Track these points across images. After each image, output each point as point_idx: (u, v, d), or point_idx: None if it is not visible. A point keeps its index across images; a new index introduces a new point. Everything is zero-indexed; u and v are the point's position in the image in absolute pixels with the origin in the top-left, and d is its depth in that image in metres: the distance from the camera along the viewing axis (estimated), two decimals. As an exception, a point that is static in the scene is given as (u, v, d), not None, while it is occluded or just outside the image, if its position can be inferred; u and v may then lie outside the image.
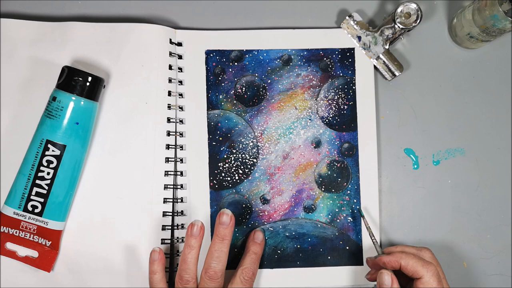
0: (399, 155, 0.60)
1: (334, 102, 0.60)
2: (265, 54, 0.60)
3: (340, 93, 0.60)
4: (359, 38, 0.60)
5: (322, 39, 0.60)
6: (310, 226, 0.59)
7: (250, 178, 0.59)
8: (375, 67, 0.60)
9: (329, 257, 0.58)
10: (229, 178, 0.59)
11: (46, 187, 0.54)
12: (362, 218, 0.58)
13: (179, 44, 0.60)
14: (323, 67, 0.60)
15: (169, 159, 0.58)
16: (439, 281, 0.50)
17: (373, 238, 0.55)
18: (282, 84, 0.60)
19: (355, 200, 0.59)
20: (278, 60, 0.60)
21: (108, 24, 0.58)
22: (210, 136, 0.59)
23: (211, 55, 0.60)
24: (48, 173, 0.54)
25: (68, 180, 0.55)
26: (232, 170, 0.59)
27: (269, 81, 0.60)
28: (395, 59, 0.59)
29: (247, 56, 0.60)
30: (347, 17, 0.60)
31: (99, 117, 0.57)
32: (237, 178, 0.59)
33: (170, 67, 0.59)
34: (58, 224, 0.55)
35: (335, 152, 0.59)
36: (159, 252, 0.54)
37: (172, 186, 0.58)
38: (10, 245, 0.56)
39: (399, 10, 0.56)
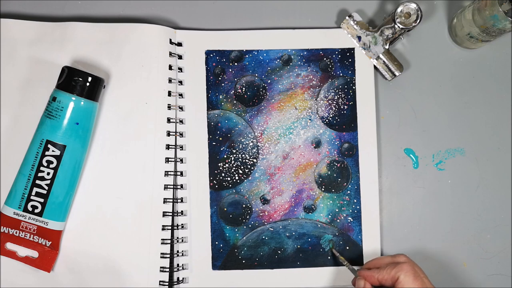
0: (399, 155, 0.60)
1: (334, 102, 0.60)
2: (265, 54, 0.60)
3: (340, 93, 0.60)
4: (359, 38, 0.60)
5: (322, 39, 0.60)
6: (310, 226, 0.59)
7: (250, 178, 0.59)
8: (375, 67, 0.60)
9: (329, 257, 0.58)
10: (229, 178, 0.59)
11: (46, 187, 0.54)
12: (331, 250, 0.58)
13: (179, 44, 0.60)
14: (323, 67, 0.60)
15: (169, 159, 0.58)
16: (415, 277, 0.51)
17: (345, 263, 0.57)
18: (282, 84, 0.60)
19: (355, 200, 0.59)
20: (278, 60, 0.60)
21: (108, 24, 0.58)
22: (210, 136, 0.59)
23: (211, 55, 0.60)
24: (48, 173, 0.54)
25: (68, 180, 0.55)
26: (232, 170, 0.59)
27: (269, 81, 0.60)
28: (395, 59, 0.59)
29: (247, 56, 0.60)
30: (347, 17, 0.60)
31: (99, 117, 0.57)
32: (237, 178, 0.59)
33: (170, 67, 0.59)
34: (58, 224, 0.55)
35: (335, 152, 0.59)
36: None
37: (172, 186, 0.58)
38: (10, 245, 0.56)
39: (399, 10, 0.56)
